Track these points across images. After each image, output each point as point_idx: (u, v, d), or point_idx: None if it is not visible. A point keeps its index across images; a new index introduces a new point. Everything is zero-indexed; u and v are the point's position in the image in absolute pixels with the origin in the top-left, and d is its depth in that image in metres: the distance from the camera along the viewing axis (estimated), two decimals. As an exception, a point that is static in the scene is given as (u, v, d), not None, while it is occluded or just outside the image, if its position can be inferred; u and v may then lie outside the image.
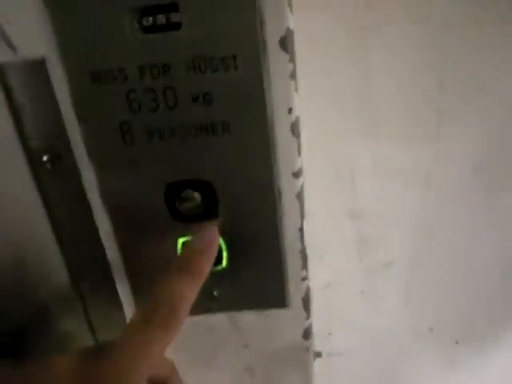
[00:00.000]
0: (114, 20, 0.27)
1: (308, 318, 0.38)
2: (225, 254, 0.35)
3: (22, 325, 0.36)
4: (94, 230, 0.33)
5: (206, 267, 0.31)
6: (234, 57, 0.28)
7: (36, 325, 0.37)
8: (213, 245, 0.32)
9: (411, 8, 0.40)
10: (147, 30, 0.27)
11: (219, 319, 0.38)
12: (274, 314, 0.38)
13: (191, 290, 0.29)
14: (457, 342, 0.59)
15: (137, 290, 0.35)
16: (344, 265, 0.52)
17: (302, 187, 0.33)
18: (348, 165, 0.46)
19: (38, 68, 0.29)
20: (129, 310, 0.36)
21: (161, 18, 0.27)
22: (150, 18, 0.27)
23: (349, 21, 0.39)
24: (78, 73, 0.28)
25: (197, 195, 0.32)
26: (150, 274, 0.33)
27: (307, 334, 0.39)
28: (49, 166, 0.31)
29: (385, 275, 0.53)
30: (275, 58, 0.28)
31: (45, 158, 0.31)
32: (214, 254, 0.32)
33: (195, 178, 0.32)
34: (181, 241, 0.34)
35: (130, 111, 0.29)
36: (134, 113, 0.29)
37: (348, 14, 0.39)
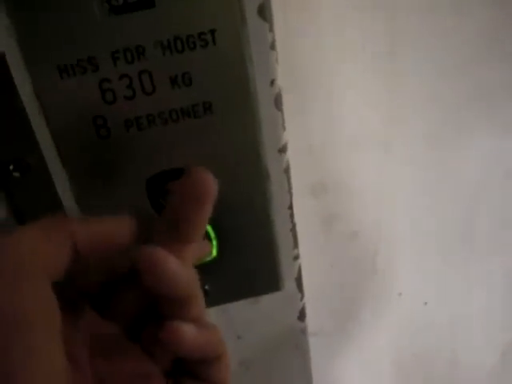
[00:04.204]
0: (80, 4, 0.25)
1: (302, 297, 0.38)
2: (214, 243, 0.33)
3: None
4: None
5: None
6: (213, 31, 0.26)
7: None
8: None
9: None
10: (117, 10, 0.25)
11: (209, 313, 0.36)
12: (267, 299, 0.36)
13: None
14: (426, 303, 0.61)
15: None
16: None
17: (287, 163, 0.32)
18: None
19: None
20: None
21: (131, -4, 0.25)
22: (120, -3, 0.25)
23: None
24: (43, 67, 0.26)
25: (182, 185, 0.31)
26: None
27: (302, 314, 0.38)
28: (17, 175, 0.28)
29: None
30: (255, 29, 0.27)
31: (11, 167, 0.28)
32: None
33: (178, 167, 0.30)
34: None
35: (105, 102, 0.27)
36: (109, 103, 0.27)
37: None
